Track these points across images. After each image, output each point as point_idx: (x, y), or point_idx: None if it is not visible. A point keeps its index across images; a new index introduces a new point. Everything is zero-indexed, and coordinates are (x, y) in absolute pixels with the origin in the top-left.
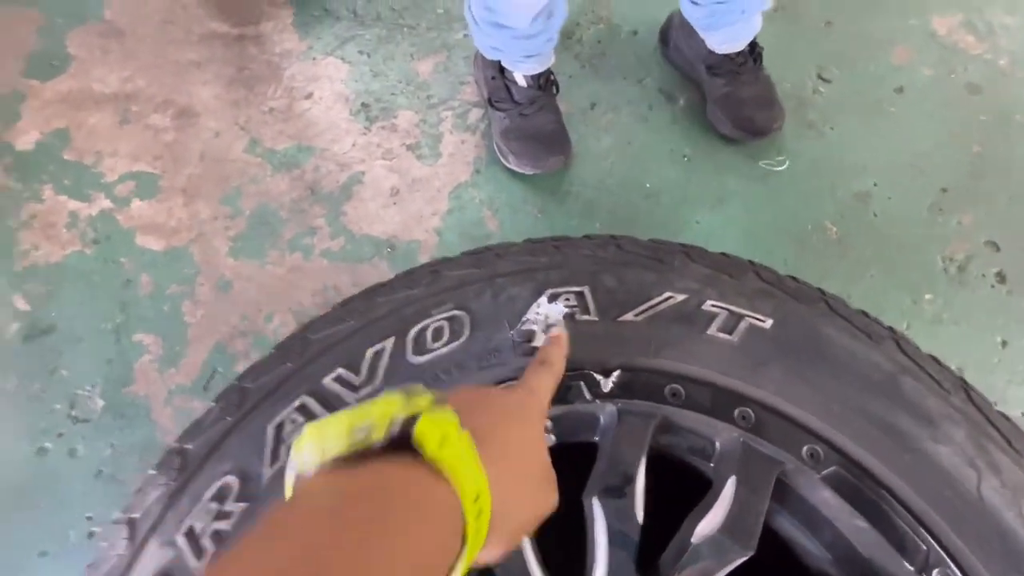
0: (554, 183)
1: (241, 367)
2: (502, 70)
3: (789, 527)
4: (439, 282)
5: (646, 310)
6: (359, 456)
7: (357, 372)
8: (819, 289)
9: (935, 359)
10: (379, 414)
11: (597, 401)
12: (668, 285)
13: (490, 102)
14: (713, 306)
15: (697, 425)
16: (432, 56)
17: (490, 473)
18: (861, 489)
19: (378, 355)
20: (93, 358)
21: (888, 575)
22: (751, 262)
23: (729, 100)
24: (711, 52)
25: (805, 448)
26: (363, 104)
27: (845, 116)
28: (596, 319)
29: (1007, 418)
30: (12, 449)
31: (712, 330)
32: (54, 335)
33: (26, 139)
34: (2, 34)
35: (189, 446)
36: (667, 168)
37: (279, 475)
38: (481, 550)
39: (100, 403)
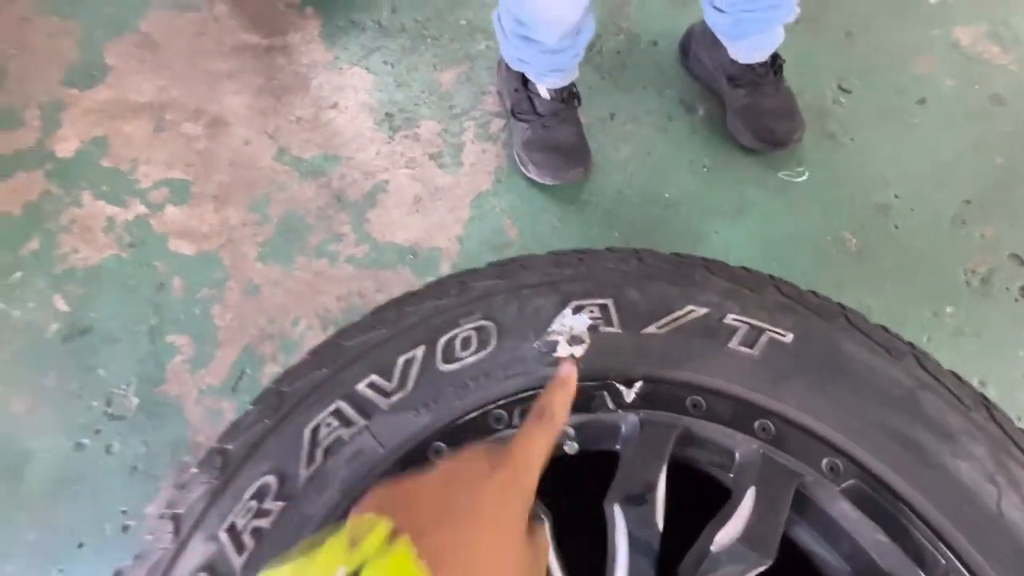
0: (574, 192)
1: (269, 369)
2: (526, 82)
3: (808, 539)
4: (466, 292)
5: (668, 323)
6: None
7: (389, 379)
8: (839, 304)
9: (955, 375)
10: (320, 571)
11: (619, 411)
12: (690, 299)
13: (513, 113)
14: (734, 320)
15: (717, 436)
16: (455, 67)
17: None
18: (881, 503)
19: (409, 363)
20: (128, 358)
21: None
22: (771, 276)
23: (749, 111)
24: (733, 62)
25: (825, 461)
26: (387, 114)
27: (866, 127)
28: (619, 331)
29: None
30: (52, 444)
31: (733, 343)
32: (91, 335)
33: (67, 146)
34: (44, 45)
35: (230, 446)
36: (686, 178)
37: (316, 475)
38: None
39: (135, 401)
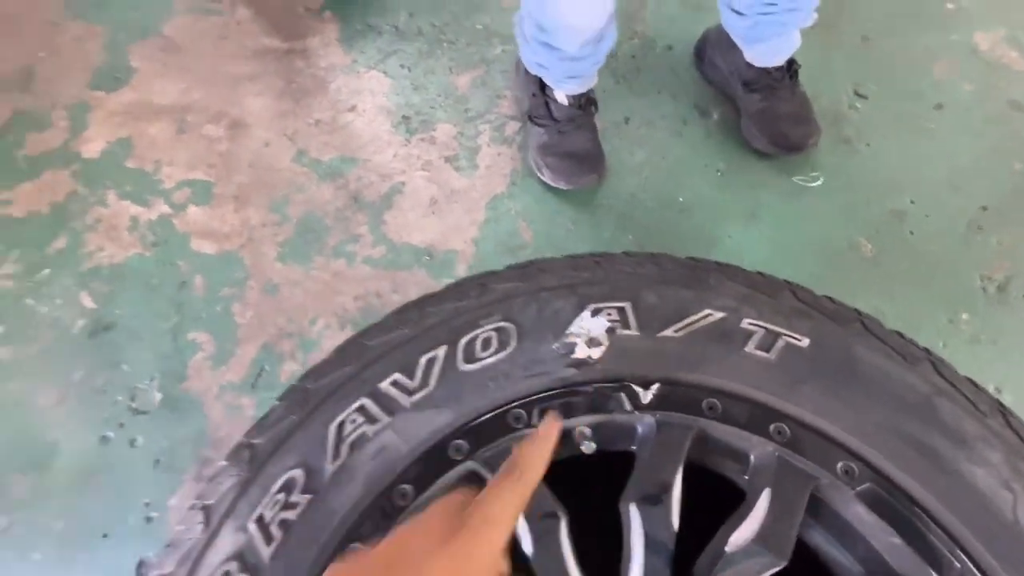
0: (588, 196)
1: (287, 367)
2: (543, 87)
3: (822, 541)
4: (486, 294)
5: (685, 326)
6: None
7: (412, 377)
8: (855, 309)
9: (972, 381)
10: None
11: (636, 412)
12: (707, 303)
13: (529, 117)
14: (751, 324)
15: (733, 438)
16: (471, 71)
17: None
18: (896, 506)
19: (431, 362)
20: (151, 354)
21: None
22: (787, 282)
23: (764, 115)
24: (749, 66)
25: (840, 465)
26: (404, 117)
27: (882, 132)
28: (637, 334)
29: None
30: (78, 437)
31: (749, 347)
32: (116, 331)
33: (92, 147)
34: (71, 48)
35: (257, 440)
36: (700, 183)
37: (341, 470)
38: None
39: (158, 396)
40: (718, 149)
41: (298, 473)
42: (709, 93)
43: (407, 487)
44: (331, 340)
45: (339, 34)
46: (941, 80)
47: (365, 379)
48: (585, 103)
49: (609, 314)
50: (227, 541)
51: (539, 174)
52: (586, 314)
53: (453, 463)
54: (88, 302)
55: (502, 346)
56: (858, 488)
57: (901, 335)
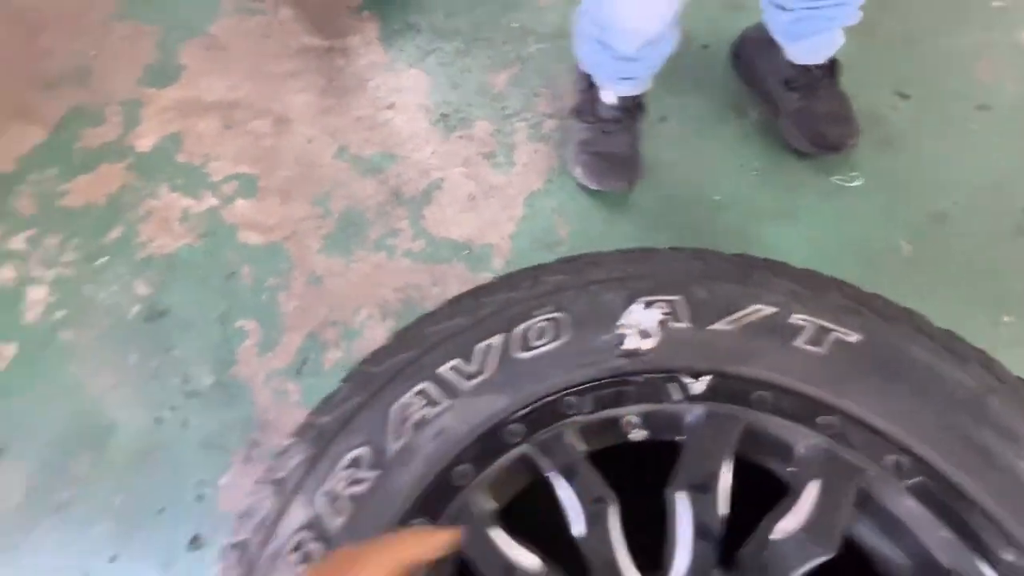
0: (623, 194)
1: (331, 355)
2: (592, 84)
3: (868, 534)
4: (539, 286)
5: (736, 320)
6: None
7: (470, 363)
8: (905, 308)
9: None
10: None
11: (687, 403)
12: (757, 298)
13: (575, 111)
14: (800, 319)
15: (781, 430)
16: (507, 69)
17: None
18: (947, 500)
19: (488, 349)
20: (202, 340)
21: None
22: (836, 279)
23: (804, 115)
24: (789, 65)
25: (889, 458)
26: (442, 114)
27: (924, 133)
28: (688, 326)
29: None
30: (134, 417)
31: (799, 342)
32: (168, 318)
33: (145, 142)
34: (124, 47)
35: (324, 419)
36: (736, 182)
37: (404, 449)
38: None
39: (208, 381)
40: (755, 149)
41: (365, 451)
42: (746, 92)
43: (467, 467)
44: (373, 330)
45: (378, 33)
46: (985, 80)
47: (425, 364)
48: (633, 107)
49: (661, 307)
50: (299, 512)
51: (572, 171)
52: (639, 306)
53: (508, 446)
54: (143, 289)
55: (556, 336)
56: (909, 481)
57: (952, 333)
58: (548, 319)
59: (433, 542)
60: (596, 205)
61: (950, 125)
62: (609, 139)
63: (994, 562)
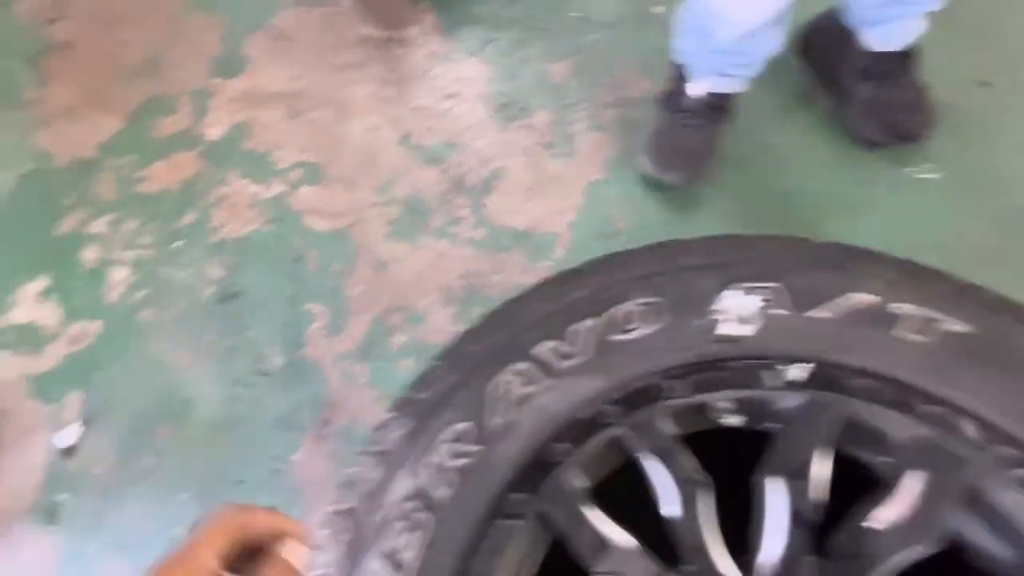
0: (683, 188)
1: (397, 339)
2: (682, 76)
3: (972, 528)
4: (630, 270)
5: (837, 308)
6: None
7: (566, 344)
8: (1013, 300)
9: None
10: None
11: (785, 389)
12: (858, 286)
13: (660, 100)
14: (902, 308)
15: (883, 420)
16: (566, 59)
17: None
18: None
19: (583, 332)
20: (273, 322)
21: None
22: (937, 269)
23: (877, 104)
24: (863, 52)
25: (996, 450)
26: (502, 104)
27: (1006, 124)
28: (788, 313)
29: None
30: (211, 393)
31: (902, 331)
32: (241, 299)
33: (214, 131)
34: (192, 39)
35: (422, 395)
36: (805, 174)
37: (505, 425)
38: None
39: (280, 361)
40: (825, 139)
41: (468, 426)
42: (815, 82)
43: (565, 445)
44: (437, 316)
45: (437, 23)
46: None
47: (518, 345)
48: (719, 105)
49: (760, 293)
50: (406, 483)
51: (637, 157)
52: (736, 292)
53: (603, 426)
54: (216, 272)
55: (649, 320)
56: (1018, 473)
57: None
58: (645, 303)
59: (278, 524)
60: (656, 196)
61: None
62: (684, 132)
63: None
